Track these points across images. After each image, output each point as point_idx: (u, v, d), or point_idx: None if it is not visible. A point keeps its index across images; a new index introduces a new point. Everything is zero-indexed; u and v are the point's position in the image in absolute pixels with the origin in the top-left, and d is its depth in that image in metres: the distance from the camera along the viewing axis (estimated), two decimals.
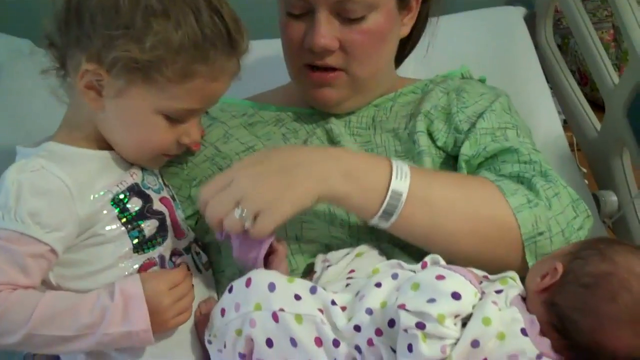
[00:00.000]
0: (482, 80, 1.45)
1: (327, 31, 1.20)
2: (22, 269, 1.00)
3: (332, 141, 1.28)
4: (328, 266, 1.11)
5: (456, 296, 0.91)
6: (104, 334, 1.01)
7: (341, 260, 1.12)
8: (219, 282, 1.18)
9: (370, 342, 0.97)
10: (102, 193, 1.06)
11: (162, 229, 1.11)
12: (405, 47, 1.39)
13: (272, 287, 1.01)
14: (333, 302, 1.01)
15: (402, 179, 1.05)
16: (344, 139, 1.28)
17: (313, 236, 1.17)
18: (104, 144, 1.10)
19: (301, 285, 1.03)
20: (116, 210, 1.07)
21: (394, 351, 0.95)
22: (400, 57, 1.41)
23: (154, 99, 1.03)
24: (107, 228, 1.06)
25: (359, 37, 1.22)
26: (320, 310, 1.00)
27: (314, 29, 1.20)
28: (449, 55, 1.52)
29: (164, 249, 1.10)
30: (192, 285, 1.09)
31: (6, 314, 0.99)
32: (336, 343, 0.99)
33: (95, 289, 1.05)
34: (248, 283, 1.03)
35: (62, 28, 1.05)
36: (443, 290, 0.92)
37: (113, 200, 1.07)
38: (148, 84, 1.02)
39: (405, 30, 1.31)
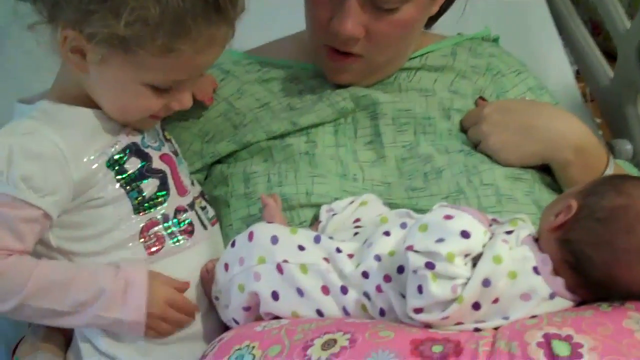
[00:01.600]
0: (495, 41, 1.43)
1: (355, 20, 1.14)
2: (15, 234, 0.98)
3: (356, 96, 1.24)
4: (333, 215, 1.10)
5: (465, 235, 0.89)
6: (97, 315, 1.00)
7: (346, 208, 1.10)
8: (227, 236, 1.16)
9: (378, 289, 0.96)
10: (97, 155, 1.03)
11: (163, 187, 1.08)
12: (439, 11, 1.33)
13: (274, 239, 1.00)
14: (338, 250, 0.99)
15: (610, 169, 1.18)
16: (372, 93, 1.25)
17: (324, 190, 1.15)
18: (96, 103, 1.06)
19: (304, 236, 1.02)
20: (112, 172, 1.04)
21: (404, 297, 0.93)
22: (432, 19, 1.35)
23: (137, 71, 0.99)
24: (105, 191, 1.03)
25: (387, 28, 1.16)
26: (326, 260, 0.99)
27: (343, 15, 1.14)
28: (458, 5, 1.47)
29: (166, 207, 1.08)
30: (192, 319, 1.08)
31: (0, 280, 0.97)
32: (344, 290, 0.98)
33: (100, 251, 1.04)
34: (250, 237, 1.02)
35: None
36: (452, 229, 0.90)
37: (108, 161, 1.04)
38: (129, 56, 0.97)
39: (434, 9, 1.25)
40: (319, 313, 0.98)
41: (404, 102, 1.26)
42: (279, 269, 0.99)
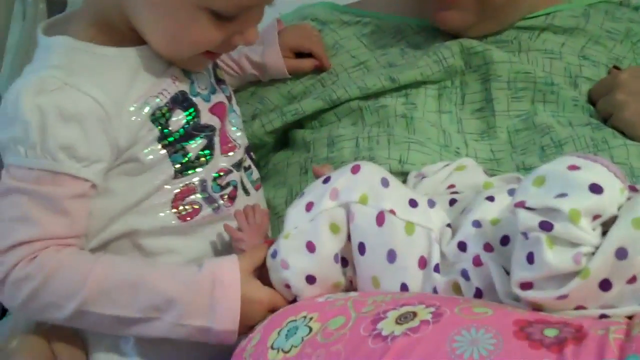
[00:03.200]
0: (636, 8, 1.24)
1: None
2: (64, 216, 0.82)
3: (468, 53, 1.08)
4: (422, 178, 0.93)
5: (596, 189, 0.68)
6: (176, 323, 0.81)
7: (438, 172, 0.93)
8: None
9: (477, 261, 0.76)
10: (139, 105, 0.85)
11: (208, 147, 0.90)
12: None
13: (385, 182, 0.82)
14: (449, 225, 0.81)
15: None
16: (486, 50, 1.08)
17: (421, 160, 0.99)
18: (136, 38, 0.87)
19: (417, 193, 0.84)
20: (157, 130, 0.86)
21: (508, 273, 0.72)
22: None
23: None
24: (146, 151, 0.86)
25: None
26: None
27: None
28: None
29: (206, 170, 0.90)
30: None
31: (52, 280, 0.81)
32: (437, 269, 0.79)
33: (119, 230, 0.87)
34: (355, 169, 0.83)
35: None
36: (578, 182, 0.69)
37: (153, 115, 0.86)
38: None
39: None
40: (403, 287, 0.79)
41: (523, 63, 1.09)
42: (380, 218, 0.79)
